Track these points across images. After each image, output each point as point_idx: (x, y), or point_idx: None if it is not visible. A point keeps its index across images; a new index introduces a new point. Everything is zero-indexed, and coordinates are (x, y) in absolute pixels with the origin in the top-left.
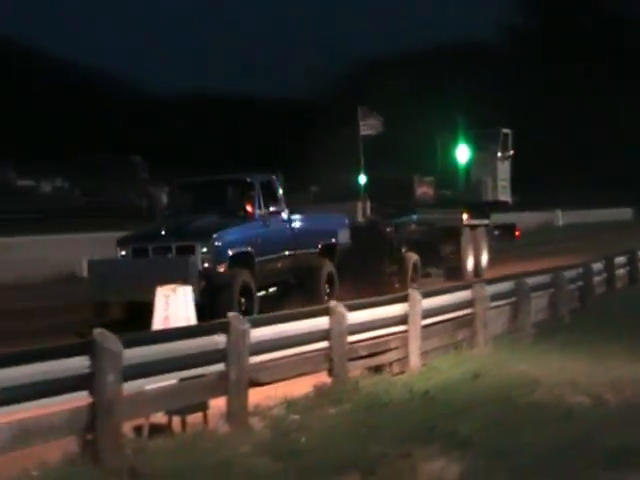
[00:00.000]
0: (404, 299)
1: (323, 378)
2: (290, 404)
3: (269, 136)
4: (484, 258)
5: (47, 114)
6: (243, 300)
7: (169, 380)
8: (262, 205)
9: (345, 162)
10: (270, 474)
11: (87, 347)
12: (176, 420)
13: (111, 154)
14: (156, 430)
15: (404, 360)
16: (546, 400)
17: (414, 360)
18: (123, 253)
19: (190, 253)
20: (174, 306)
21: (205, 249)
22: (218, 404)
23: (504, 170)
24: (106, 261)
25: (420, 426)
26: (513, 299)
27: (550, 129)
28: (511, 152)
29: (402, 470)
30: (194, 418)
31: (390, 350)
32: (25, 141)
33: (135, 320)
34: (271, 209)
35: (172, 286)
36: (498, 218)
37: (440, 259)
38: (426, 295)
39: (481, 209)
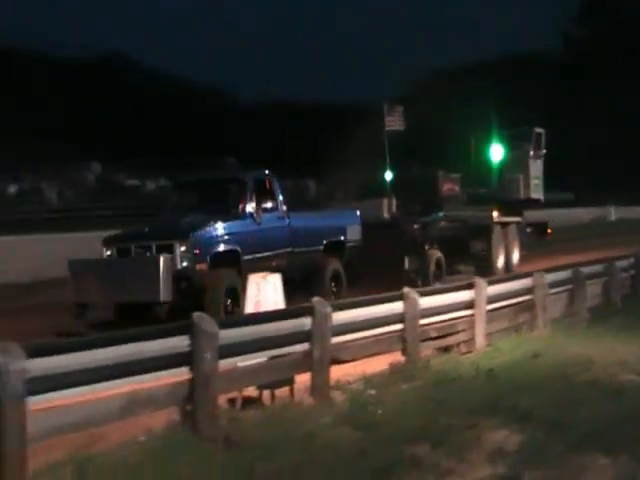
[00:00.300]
0: (471, 286)
1: (397, 357)
2: (367, 380)
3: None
4: (515, 255)
5: (144, 121)
6: (229, 301)
7: (260, 358)
8: (255, 203)
9: (377, 160)
10: (349, 443)
11: (187, 328)
12: (266, 393)
13: (207, 155)
14: (248, 402)
15: (470, 341)
16: (600, 378)
17: (479, 341)
18: (108, 253)
19: (169, 252)
20: (264, 292)
21: (183, 248)
22: (303, 379)
23: (537, 169)
24: (85, 261)
25: (485, 401)
26: (570, 286)
27: (597, 129)
28: (544, 151)
29: (468, 440)
30: (282, 392)
31: (458, 332)
32: (132, 145)
33: (127, 318)
34: (265, 206)
35: (263, 274)
36: (537, 216)
37: (470, 256)
38: (491, 283)
39: (513, 207)
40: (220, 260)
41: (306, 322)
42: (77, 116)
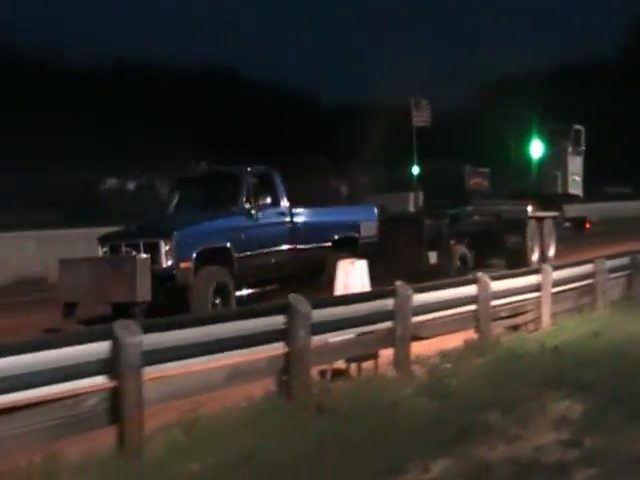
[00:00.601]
0: (538, 271)
1: (471, 335)
2: (444, 355)
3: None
4: (551, 249)
5: (245, 123)
6: (218, 300)
7: (348, 334)
8: (252, 198)
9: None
10: (428, 410)
11: (284, 308)
12: (353, 366)
13: (299, 154)
14: (337, 374)
15: (537, 320)
16: None
17: (545, 320)
18: (103, 251)
19: (155, 250)
20: (352, 276)
21: (168, 246)
22: (386, 354)
23: (575, 165)
24: (74, 261)
25: (549, 374)
26: (628, 272)
27: None
28: (583, 148)
29: (534, 409)
30: (367, 365)
31: (526, 312)
32: (232, 145)
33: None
34: (263, 202)
35: (350, 260)
36: (576, 210)
37: (504, 250)
38: (556, 268)
39: (550, 202)
40: (208, 258)
41: (389, 303)
42: (189, 121)
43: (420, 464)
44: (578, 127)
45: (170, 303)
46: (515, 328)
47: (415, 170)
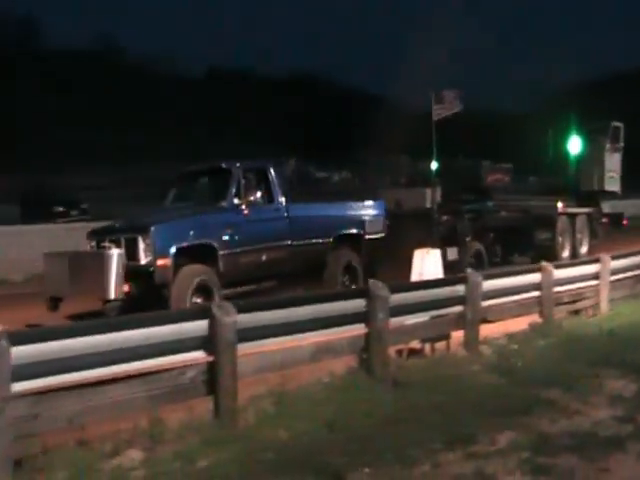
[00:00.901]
0: (597, 261)
1: (535, 318)
2: (510, 337)
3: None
4: (584, 246)
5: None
6: (200, 300)
7: (423, 317)
8: (243, 193)
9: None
10: (495, 386)
11: (364, 293)
12: (427, 346)
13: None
14: (412, 353)
15: (596, 306)
16: None
17: (603, 306)
18: (91, 245)
19: (134, 246)
20: (427, 264)
21: (146, 242)
22: (457, 335)
23: (613, 162)
24: (56, 254)
25: (607, 355)
26: None
27: None
28: (622, 144)
29: (592, 386)
30: (440, 345)
31: (586, 298)
32: (318, 143)
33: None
34: (256, 197)
35: (426, 249)
36: (614, 206)
37: (532, 246)
38: (614, 258)
39: (586, 198)
40: (190, 255)
41: (460, 289)
42: (280, 124)
43: (487, 436)
44: (617, 124)
45: (151, 300)
46: (576, 313)
47: (433, 166)
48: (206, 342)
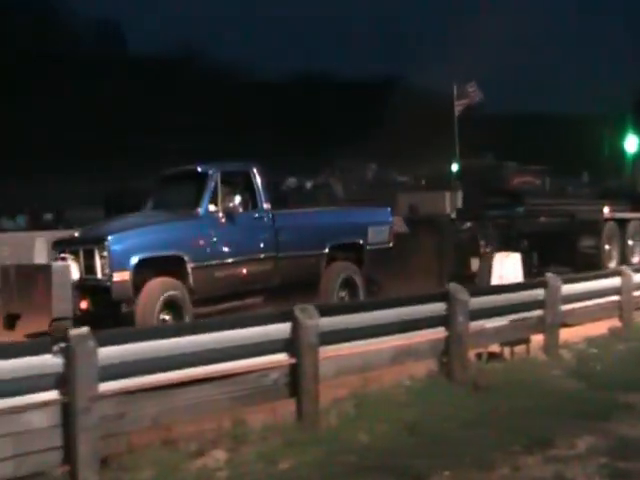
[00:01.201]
0: None
1: (614, 322)
2: (590, 341)
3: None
4: (636, 254)
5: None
6: (168, 317)
7: (502, 321)
8: (219, 200)
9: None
10: (574, 391)
11: (444, 296)
12: (506, 350)
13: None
14: (492, 356)
15: None
16: None
17: None
18: (55, 257)
19: (91, 258)
20: (506, 268)
21: (102, 254)
22: (537, 339)
23: None
24: (8, 267)
25: None
26: None
27: None
28: None
29: None
30: (520, 349)
31: None
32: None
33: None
34: (235, 204)
35: (505, 253)
36: None
37: (574, 254)
38: None
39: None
40: (156, 268)
41: (540, 293)
42: (362, 129)
43: (567, 440)
44: None
45: (111, 318)
46: None
47: (454, 167)
48: (289, 344)
